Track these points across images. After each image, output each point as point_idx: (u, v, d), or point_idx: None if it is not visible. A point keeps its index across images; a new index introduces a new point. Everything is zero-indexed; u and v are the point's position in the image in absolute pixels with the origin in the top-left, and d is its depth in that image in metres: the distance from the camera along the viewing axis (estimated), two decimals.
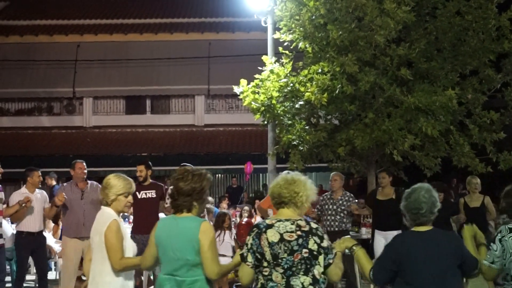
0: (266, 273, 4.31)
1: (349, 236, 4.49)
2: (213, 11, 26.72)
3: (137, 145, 22.89)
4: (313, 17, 12.29)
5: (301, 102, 12.57)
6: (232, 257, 10.49)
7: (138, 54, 24.19)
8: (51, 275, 12.81)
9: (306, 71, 12.38)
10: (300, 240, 4.28)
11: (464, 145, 12.07)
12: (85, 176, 9.51)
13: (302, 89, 12.22)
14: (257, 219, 12.46)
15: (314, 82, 11.98)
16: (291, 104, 12.85)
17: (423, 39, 12.06)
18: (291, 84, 12.62)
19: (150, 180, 10.03)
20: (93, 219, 9.28)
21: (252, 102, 12.97)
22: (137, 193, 9.41)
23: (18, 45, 24.68)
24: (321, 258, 4.31)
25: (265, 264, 4.31)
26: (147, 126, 24.67)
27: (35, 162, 20.32)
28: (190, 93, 24.67)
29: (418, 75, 12.31)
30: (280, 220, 4.38)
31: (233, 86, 13.57)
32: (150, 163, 10.29)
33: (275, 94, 12.71)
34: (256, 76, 13.14)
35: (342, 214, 10.41)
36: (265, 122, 13.64)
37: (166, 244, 4.60)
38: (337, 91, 11.82)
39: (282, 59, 13.08)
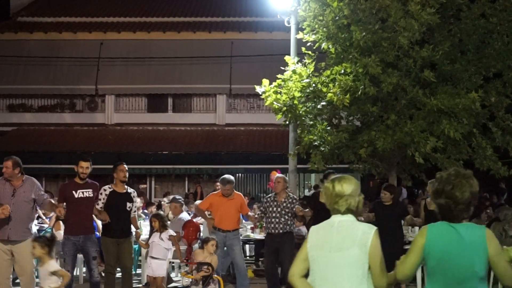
0: None
1: None
2: (236, 10, 26.74)
3: (158, 143, 22.96)
4: (337, 18, 12.28)
5: (323, 103, 12.59)
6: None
7: (160, 53, 24.24)
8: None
9: (328, 72, 12.38)
10: None
11: (487, 148, 12.01)
12: (11, 176, 8.22)
13: (324, 89, 12.23)
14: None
15: (336, 83, 11.98)
16: (313, 104, 12.86)
17: (447, 41, 11.99)
18: (314, 85, 12.63)
19: (87, 179, 9.04)
20: (21, 221, 8.24)
21: (274, 102, 13.00)
22: (73, 192, 8.78)
23: (42, 42, 24.85)
24: None
25: None
26: (168, 124, 24.68)
27: (57, 158, 20.55)
28: (211, 92, 24.67)
29: (441, 77, 12.25)
30: None
31: (255, 86, 13.59)
32: None
33: (297, 94, 12.72)
34: (279, 76, 13.17)
35: (286, 217, 10.01)
36: (287, 122, 13.65)
37: (443, 254, 4.07)
38: (359, 92, 11.80)
39: (304, 59, 13.09)
